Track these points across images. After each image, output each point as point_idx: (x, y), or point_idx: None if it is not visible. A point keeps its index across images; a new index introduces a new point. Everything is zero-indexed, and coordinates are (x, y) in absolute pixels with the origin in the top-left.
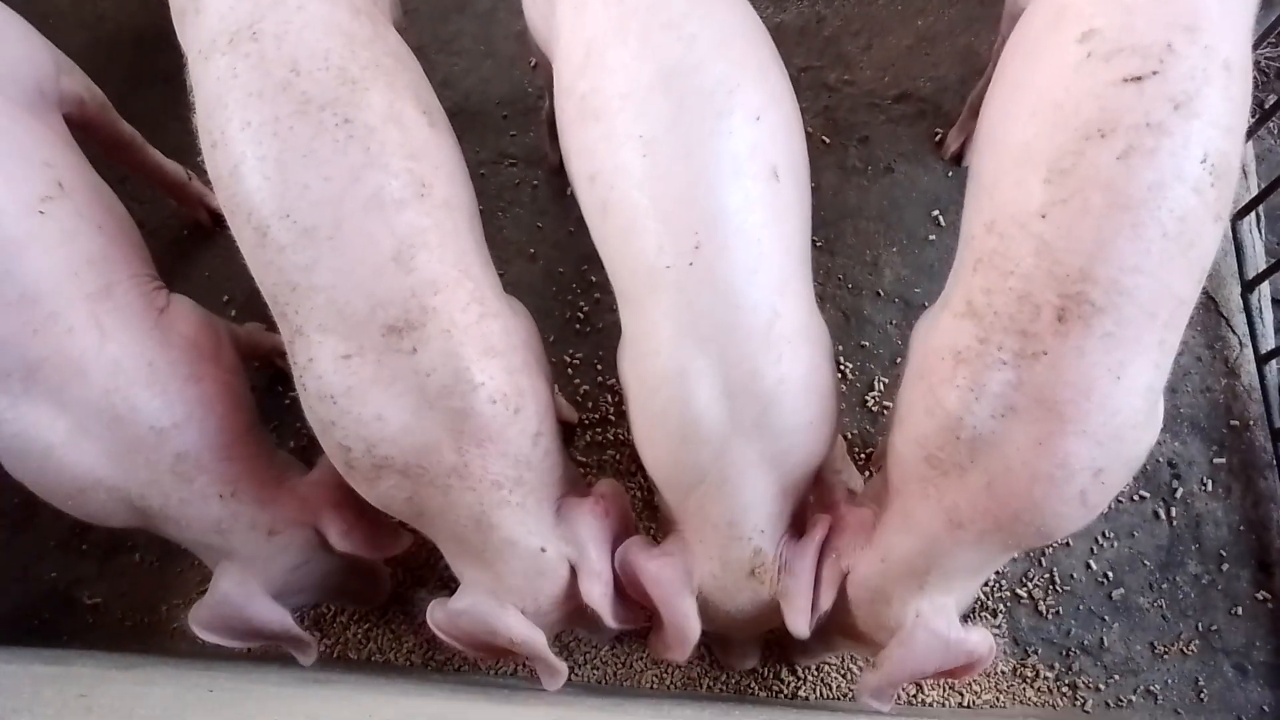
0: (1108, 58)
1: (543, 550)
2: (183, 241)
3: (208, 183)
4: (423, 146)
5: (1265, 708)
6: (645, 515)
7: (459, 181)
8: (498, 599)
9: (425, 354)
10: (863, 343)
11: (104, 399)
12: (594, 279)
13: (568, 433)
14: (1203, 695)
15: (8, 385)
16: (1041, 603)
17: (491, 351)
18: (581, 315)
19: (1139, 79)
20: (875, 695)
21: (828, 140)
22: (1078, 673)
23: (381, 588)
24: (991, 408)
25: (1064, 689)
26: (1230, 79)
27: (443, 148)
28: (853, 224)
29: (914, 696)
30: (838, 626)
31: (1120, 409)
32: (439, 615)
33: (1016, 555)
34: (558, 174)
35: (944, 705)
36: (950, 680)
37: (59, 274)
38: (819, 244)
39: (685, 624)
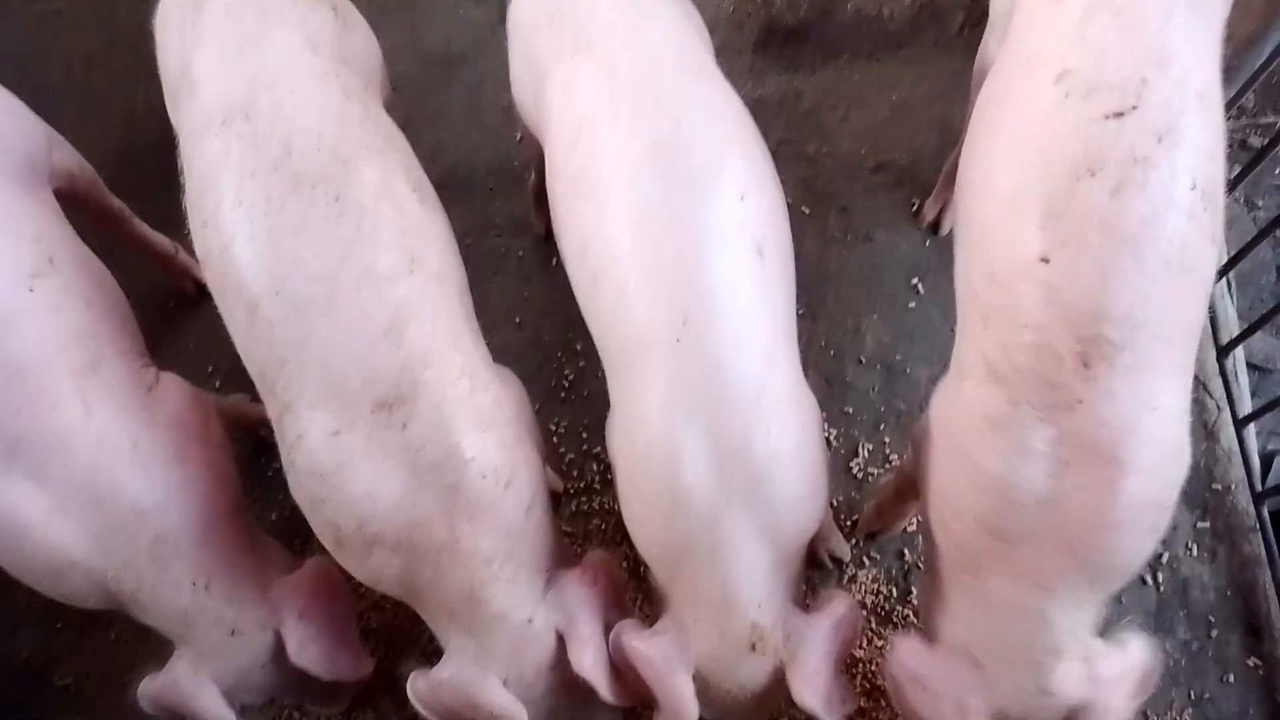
0: (1086, 96)
1: (529, 621)
2: (169, 311)
3: (194, 254)
4: (414, 222)
5: None
6: (633, 587)
7: (449, 255)
8: (481, 668)
9: (416, 429)
10: (846, 409)
11: (86, 477)
12: (579, 346)
13: (553, 502)
14: None
15: None
16: None
17: (483, 424)
18: (567, 383)
19: (1119, 114)
20: None
21: (808, 210)
22: None
23: (343, 695)
24: (1042, 468)
25: None
26: (1205, 108)
27: (434, 223)
28: (834, 290)
29: None
30: None
31: (1164, 438)
32: (420, 686)
33: None
34: (543, 242)
35: None
36: None
37: (46, 349)
38: (801, 311)
39: (682, 704)
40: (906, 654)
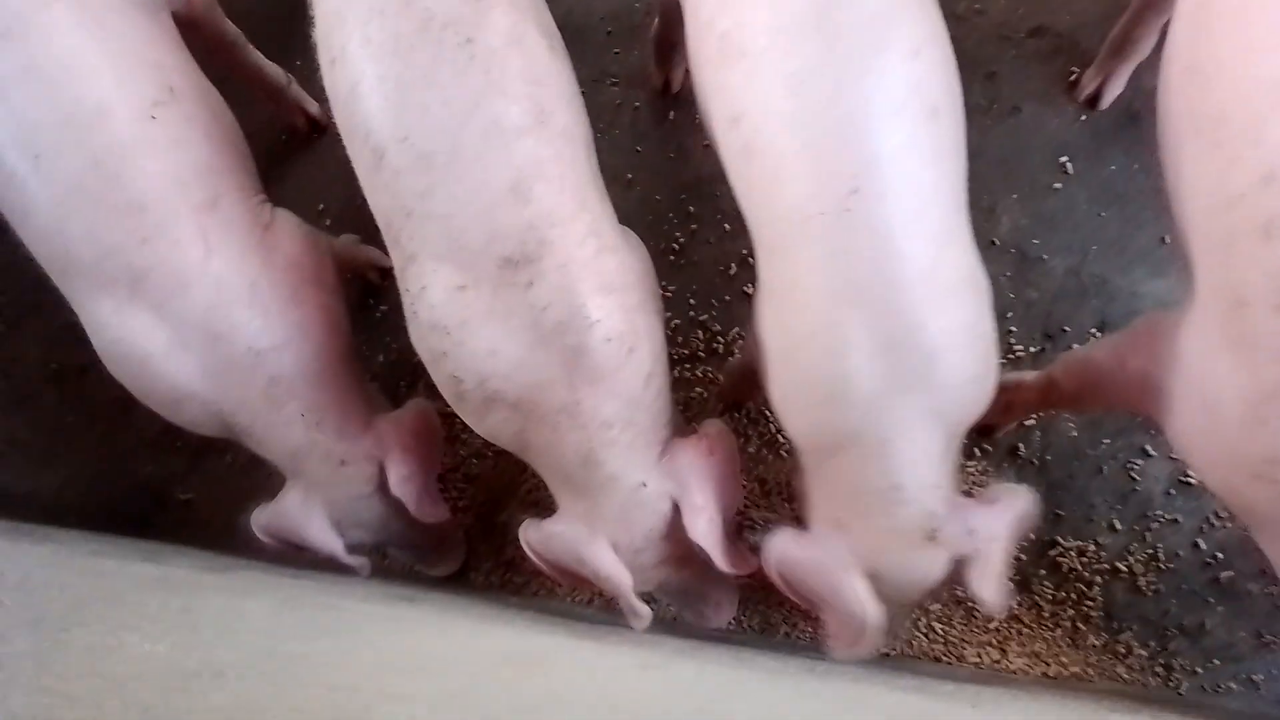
0: None
1: (643, 485)
2: (279, 148)
3: (307, 88)
4: (544, 72)
5: None
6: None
7: (576, 109)
8: (591, 529)
9: (541, 288)
10: None
11: (204, 315)
12: (692, 209)
13: None
14: (1260, 689)
15: (113, 290)
16: (1141, 579)
17: (608, 288)
18: (677, 247)
19: None
20: None
21: None
22: (1173, 654)
23: (452, 555)
24: None
25: (1158, 669)
26: None
27: (562, 74)
28: (971, 165)
29: (996, 663)
30: None
31: None
32: (532, 534)
33: (1118, 526)
34: (660, 97)
35: (1028, 674)
36: (1035, 650)
37: (167, 183)
38: None
39: (864, 608)
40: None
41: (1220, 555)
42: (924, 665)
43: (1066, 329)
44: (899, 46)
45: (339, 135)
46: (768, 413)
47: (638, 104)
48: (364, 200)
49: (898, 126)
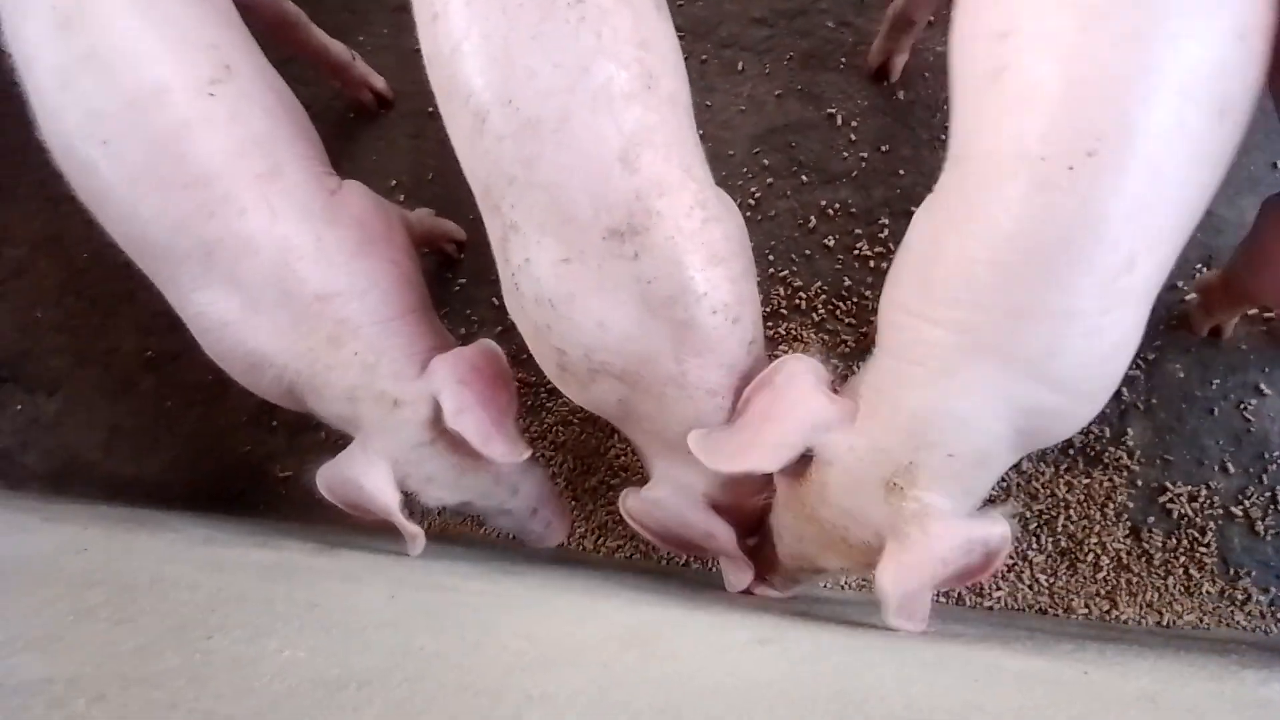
0: None
1: None
2: (347, 125)
3: (372, 63)
4: (652, 34)
5: None
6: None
7: (680, 73)
8: (693, 493)
9: (649, 261)
10: None
11: (272, 274)
12: (766, 162)
13: None
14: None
15: (189, 267)
16: (1259, 523)
17: (715, 259)
18: (753, 202)
19: None
20: None
21: None
22: None
23: (557, 524)
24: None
25: (1279, 614)
26: None
27: (669, 36)
28: None
29: (1106, 614)
30: None
31: None
32: (633, 503)
33: (1231, 469)
34: (725, 48)
35: (1140, 624)
36: (1148, 600)
37: (229, 157)
38: None
39: (772, 450)
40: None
41: None
42: (1035, 620)
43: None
44: (1227, 21)
45: (407, 112)
46: (855, 368)
47: (705, 56)
48: (436, 175)
49: (1176, 109)
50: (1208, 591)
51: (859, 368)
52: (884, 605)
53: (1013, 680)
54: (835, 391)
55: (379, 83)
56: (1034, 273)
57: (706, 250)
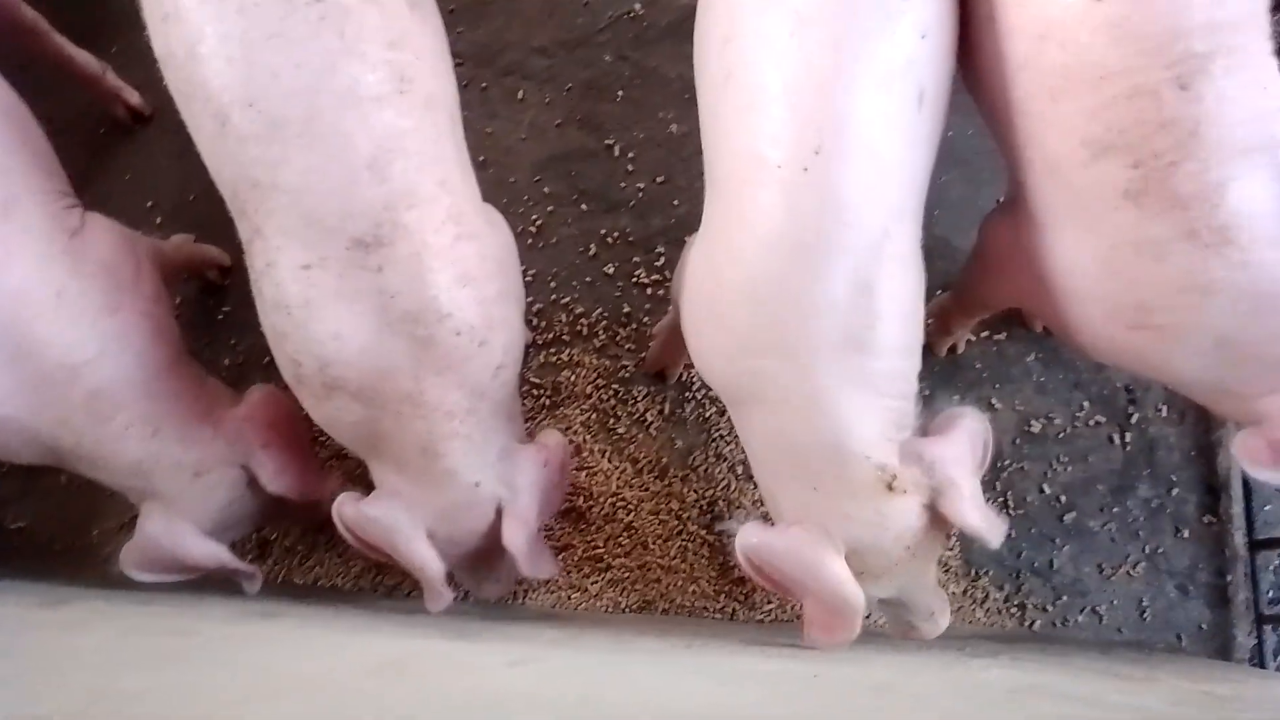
0: None
1: (477, 485)
2: (99, 141)
3: (125, 75)
4: (405, 33)
5: (1203, 626)
6: (603, 438)
7: (442, 74)
8: (413, 519)
9: (392, 275)
10: None
11: (5, 332)
12: (547, 190)
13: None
14: (1145, 615)
15: None
16: None
17: (464, 279)
18: (535, 229)
19: None
20: None
21: None
22: (1027, 594)
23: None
24: (1199, 210)
25: (1013, 609)
26: None
27: (425, 35)
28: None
29: (867, 618)
30: None
31: None
32: (347, 512)
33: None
34: (508, 74)
35: None
36: None
37: None
38: None
39: (843, 590)
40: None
41: (1064, 498)
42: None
43: None
44: (910, 20)
45: (167, 127)
46: (636, 392)
47: (485, 83)
48: (198, 194)
49: (880, 99)
50: (953, 592)
51: (638, 392)
52: (993, 538)
53: (758, 682)
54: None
55: (134, 97)
56: (807, 269)
57: (456, 269)
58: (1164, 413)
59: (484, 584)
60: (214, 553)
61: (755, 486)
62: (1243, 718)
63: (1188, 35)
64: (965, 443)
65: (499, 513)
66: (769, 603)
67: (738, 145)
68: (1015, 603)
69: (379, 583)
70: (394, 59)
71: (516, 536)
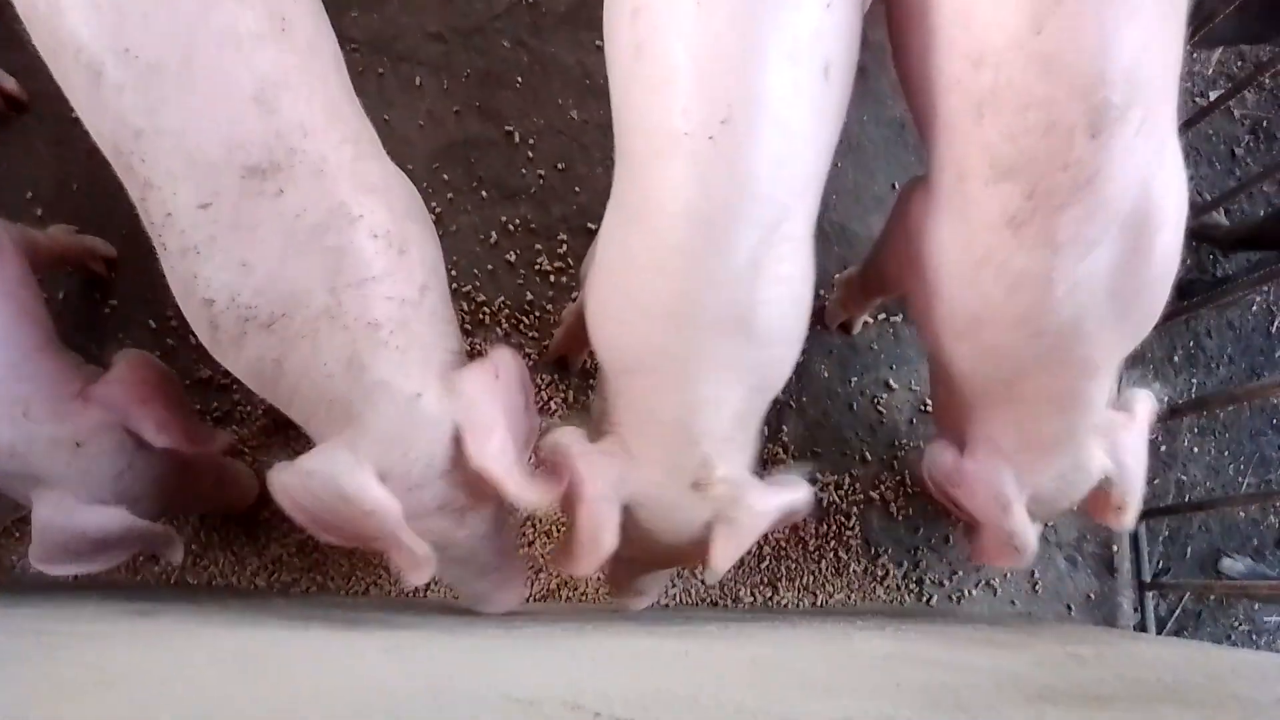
0: None
1: (419, 396)
2: None
3: (1, 62)
4: None
5: (1091, 595)
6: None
7: (323, 27)
8: (354, 455)
9: (294, 195)
10: None
11: None
12: (446, 177)
13: None
14: (1037, 587)
15: None
16: (893, 504)
17: (371, 189)
18: (434, 217)
19: None
20: None
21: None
22: (924, 570)
23: (246, 484)
24: (1076, 253)
25: (911, 585)
26: None
27: None
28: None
29: (769, 600)
30: None
31: (1177, 185)
32: (286, 477)
33: (869, 457)
34: (403, 60)
35: (798, 605)
36: (804, 583)
37: None
38: None
39: (602, 534)
40: (937, 458)
41: None
42: (700, 610)
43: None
44: None
45: (47, 115)
46: (539, 380)
47: (381, 69)
48: (81, 185)
49: (788, 71)
50: (854, 571)
51: (541, 380)
52: (712, 577)
53: (626, 662)
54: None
55: (9, 84)
56: (712, 242)
57: (361, 180)
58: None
59: (485, 593)
60: (117, 518)
61: None
62: (1097, 674)
63: (1109, 85)
64: (783, 505)
65: (459, 443)
66: (672, 586)
67: (647, 117)
68: (914, 579)
69: (275, 580)
70: (271, 3)
71: (487, 445)
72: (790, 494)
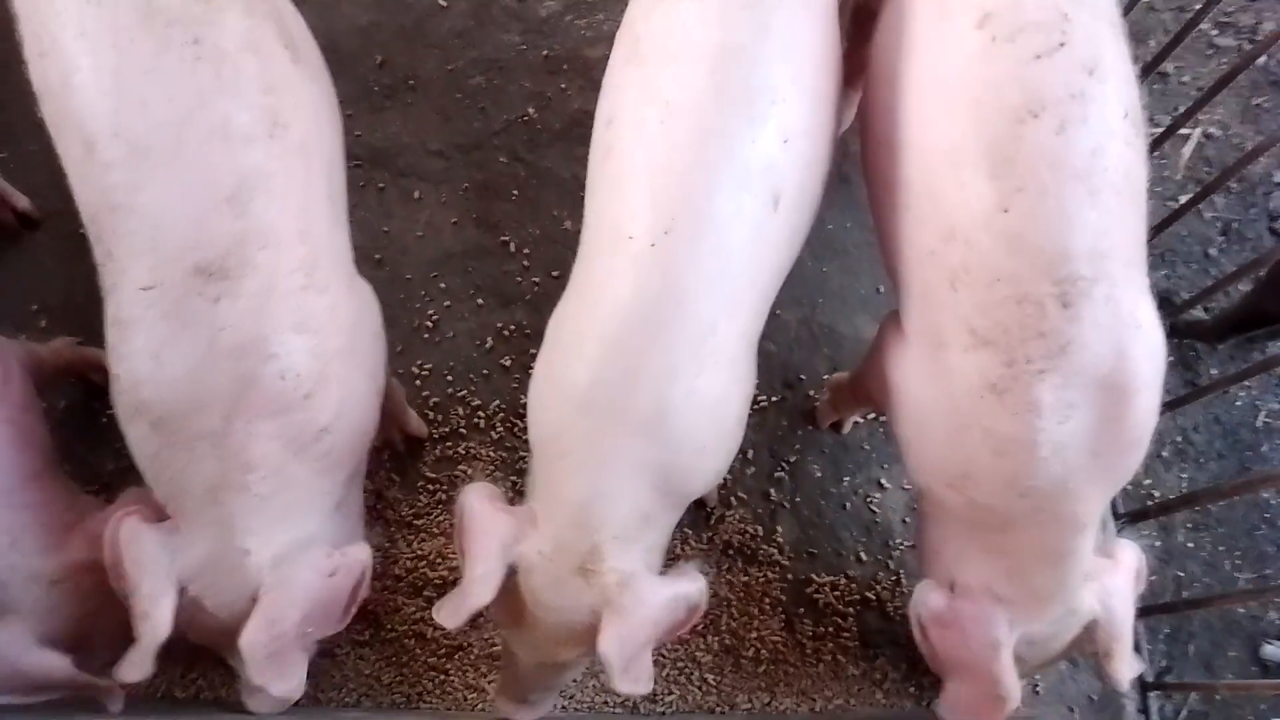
0: (1012, 38)
1: (247, 553)
2: None
3: (18, 182)
4: (282, 80)
5: (1093, 697)
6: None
7: (323, 125)
8: (169, 556)
9: (228, 309)
10: None
11: None
12: (443, 285)
13: (416, 448)
14: (1038, 689)
15: None
16: (889, 604)
17: (302, 327)
18: (431, 324)
19: (1049, 53)
20: None
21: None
22: (923, 672)
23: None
24: (1058, 417)
25: (910, 688)
26: (1117, 34)
27: (305, 86)
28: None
29: (766, 705)
30: None
31: (1153, 349)
32: (109, 526)
33: (864, 558)
34: (404, 175)
35: (796, 711)
36: (802, 688)
37: None
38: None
39: (483, 578)
40: (929, 598)
41: None
42: (696, 717)
43: (803, 377)
44: (774, 126)
45: (56, 233)
46: None
47: (382, 184)
48: (84, 298)
49: (734, 197)
50: (852, 674)
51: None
52: (610, 672)
53: None
54: (514, 503)
55: (22, 202)
56: (637, 342)
57: (296, 316)
58: None
59: (249, 691)
60: (60, 665)
61: None
62: None
63: (1076, 258)
64: (668, 602)
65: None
66: (669, 694)
67: (604, 214)
68: (913, 682)
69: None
70: (269, 103)
71: (254, 638)
72: (682, 586)
